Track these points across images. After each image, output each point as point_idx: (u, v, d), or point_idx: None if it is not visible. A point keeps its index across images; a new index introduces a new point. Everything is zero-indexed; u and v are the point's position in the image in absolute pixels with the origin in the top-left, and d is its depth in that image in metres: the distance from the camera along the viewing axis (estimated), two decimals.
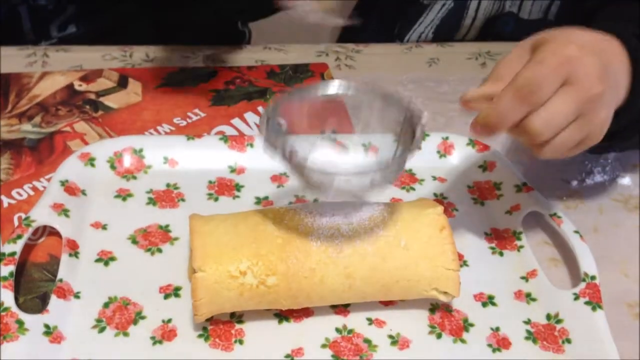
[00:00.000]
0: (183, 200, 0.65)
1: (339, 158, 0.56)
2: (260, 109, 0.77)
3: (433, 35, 0.94)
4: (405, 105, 0.53)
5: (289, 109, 0.54)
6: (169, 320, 0.55)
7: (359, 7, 1.01)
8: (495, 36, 0.95)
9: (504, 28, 0.94)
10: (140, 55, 0.84)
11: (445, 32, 0.94)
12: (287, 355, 0.53)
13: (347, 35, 1.08)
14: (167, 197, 0.65)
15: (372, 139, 0.56)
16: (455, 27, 0.93)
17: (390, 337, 0.55)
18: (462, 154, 0.72)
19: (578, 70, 0.49)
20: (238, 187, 0.67)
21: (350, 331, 0.55)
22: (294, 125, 0.54)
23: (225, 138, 0.70)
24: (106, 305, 0.55)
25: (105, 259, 0.59)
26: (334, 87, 0.55)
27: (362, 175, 0.52)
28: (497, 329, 0.56)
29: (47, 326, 0.52)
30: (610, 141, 0.55)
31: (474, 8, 0.90)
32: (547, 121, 0.50)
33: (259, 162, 0.69)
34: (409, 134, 0.53)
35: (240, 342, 0.54)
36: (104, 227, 0.61)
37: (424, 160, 0.71)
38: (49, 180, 0.65)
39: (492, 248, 0.63)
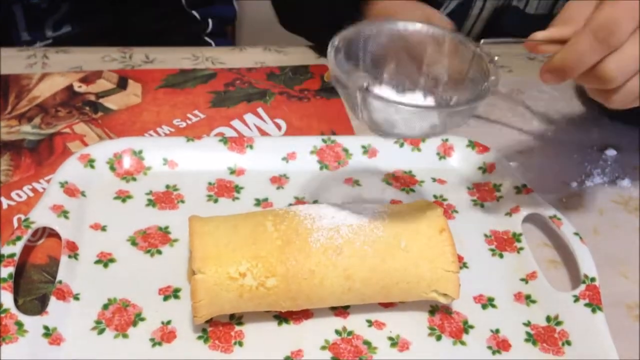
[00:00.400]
0: (182, 201, 0.65)
1: (405, 97, 0.55)
2: (258, 110, 0.77)
3: None
4: (474, 48, 0.53)
5: (358, 41, 0.53)
6: (169, 322, 0.55)
7: None
8: (500, 31, 0.95)
9: (508, 23, 0.94)
10: (139, 56, 0.84)
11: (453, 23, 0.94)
12: (287, 357, 0.53)
13: None
14: (166, 198, 0.65)
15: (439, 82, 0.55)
16: (463, 19, 0.93)
17: (390, 339, 0.55)
18: (461, 155, 0.72)
19: None
20: (237, 189, 0.67)
21: (349, 333, 0.55)
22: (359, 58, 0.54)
23: (224, 139, 0.70)
24: (105, 306, 0.55)
25: (105, 260, 0.59)
26: (402, 26, 0.54)
27: (430, 110, 0.51)
28: (497, 330, 0.56)
29: (46, 328, 0.52)
30: None
31: None
32: (622, 65, 0.49)
33: (258, 163, 0.69)
34: (478, 77, 0.52)
35: (240, 343, 0.54)
36: (104, 229, 0.61)
37: (423, 161, 0.71)
38: (48, 181, 0.65)
39: (491, 250, 0.63)
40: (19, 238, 0.56)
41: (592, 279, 0.58)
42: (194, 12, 0.97)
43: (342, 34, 0.52)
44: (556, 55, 0.50)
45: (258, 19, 1.01)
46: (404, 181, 0.70)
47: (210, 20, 1.02)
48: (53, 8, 0.89)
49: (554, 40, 0.51)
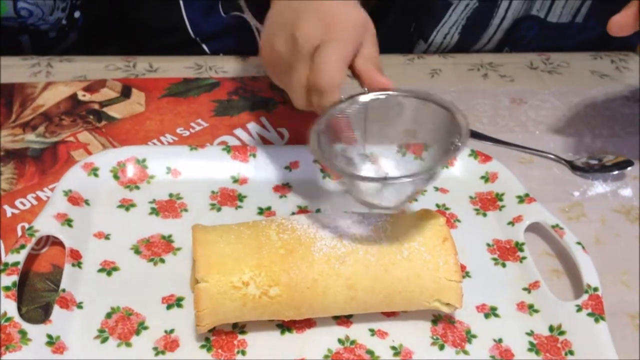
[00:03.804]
0: (186, 210, 0.65)
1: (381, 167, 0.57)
2: (261, 119, 0.78)
3: (459, 35, 0.93)
4: (445, 108, 0.54)
5: (336, 122, 0.56)
6: (172, 331, 0.55)
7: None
8: (518, 40, 0.95)
9: (527, 32, 0.94)
10: (143, 65, 0.84)
11: (472, 33, 0.93)
12: None
13: None
14: (170, 207, 0.65)
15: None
16: (484, 27, 0.93)
17: (393, 348, 0.55)
18: (464, 165, 0.72)
19: None
20: (241, 198, 0.67)
21: (352, 342, 0.55)
22: (341, 137, 0.56)
23: (228, 148, 0.70)
24: (109, 315, 0.55)
25: (108, 269, 0.59)
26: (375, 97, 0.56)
27: (401, 183, 0.52)
28: (500, 340, 0.56)
29: (49, 336, 0.52)
30: None
31: (504, 8, 0.90)
32: None
33: (261, 172, 0.69)
34: (445, 140, 0.54)
35: (243, 352, 0.54)
36: (107, 237, 0.61)
37: None
38: (52, 190, 0.65)
39: (494, 259, 0.63)
40: (22, 246, 0.56)
41: (595, 289, 0.58)
42: (204, 46, 0.95)
43: (321, 119, 0.55)
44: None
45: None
46: None
47: (221, 55, 0.94)
48: (61, 37, 0.89)
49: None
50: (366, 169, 0.56)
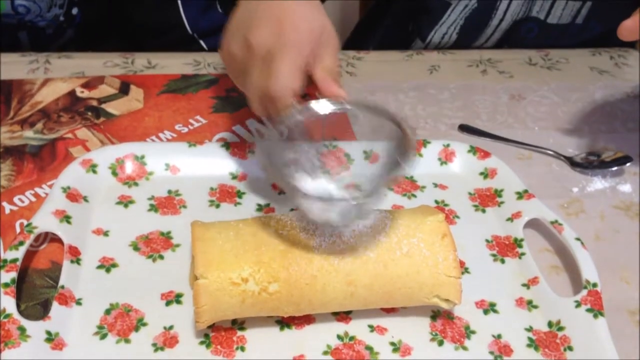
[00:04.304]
0: (184, 207, 0.65)
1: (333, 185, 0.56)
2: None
3: (457, 35, 0.93)
4: (397, 125, 0.54)
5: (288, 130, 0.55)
6: (171, 327, 0.55)
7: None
8: (518, 41, 0.95)
9: (527, 34, 0.94)
10: (141, 62, 0.84)
11: (470, 33, 0.93)
12: None
13: (362, 28, 1.08)
14: (168, 203, 0.65)
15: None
16: (482, 27, 0.92)
17: (392, 344, 0.55)
18: (463, 161, 0.72)
19: None
20: (239, 194, 0.67)
21: (351, 338, 0.55)
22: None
23: (226, 145, 0.70)
24: (108, 311, 0.55)
25: (107, 265, 0.59)
26: (326, 107, 0.56)
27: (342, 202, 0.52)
28: (499, 336, 0.56)
29: (48, 333, 0.52)
30: None
31: (502, 9, 0.90)
32: None
33: (260, 169, 0.69)
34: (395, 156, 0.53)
35: (242, 349, 0.54)
36: (106, 234, 0.61)
37: (425, 167, 0.71)
38: (50, 186, 0.65)
39: (493, 255, 0.63)
40: (21, 243, 0.56)
41: (594, 285, 0.58)
42: (202, 42, 0.94)
43: (273, 127, 0.54)
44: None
45: None
46: (405, 187, 0.70)
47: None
48: (59, 33, 0.89)
49: None
50: (316, 180, 0.55)
